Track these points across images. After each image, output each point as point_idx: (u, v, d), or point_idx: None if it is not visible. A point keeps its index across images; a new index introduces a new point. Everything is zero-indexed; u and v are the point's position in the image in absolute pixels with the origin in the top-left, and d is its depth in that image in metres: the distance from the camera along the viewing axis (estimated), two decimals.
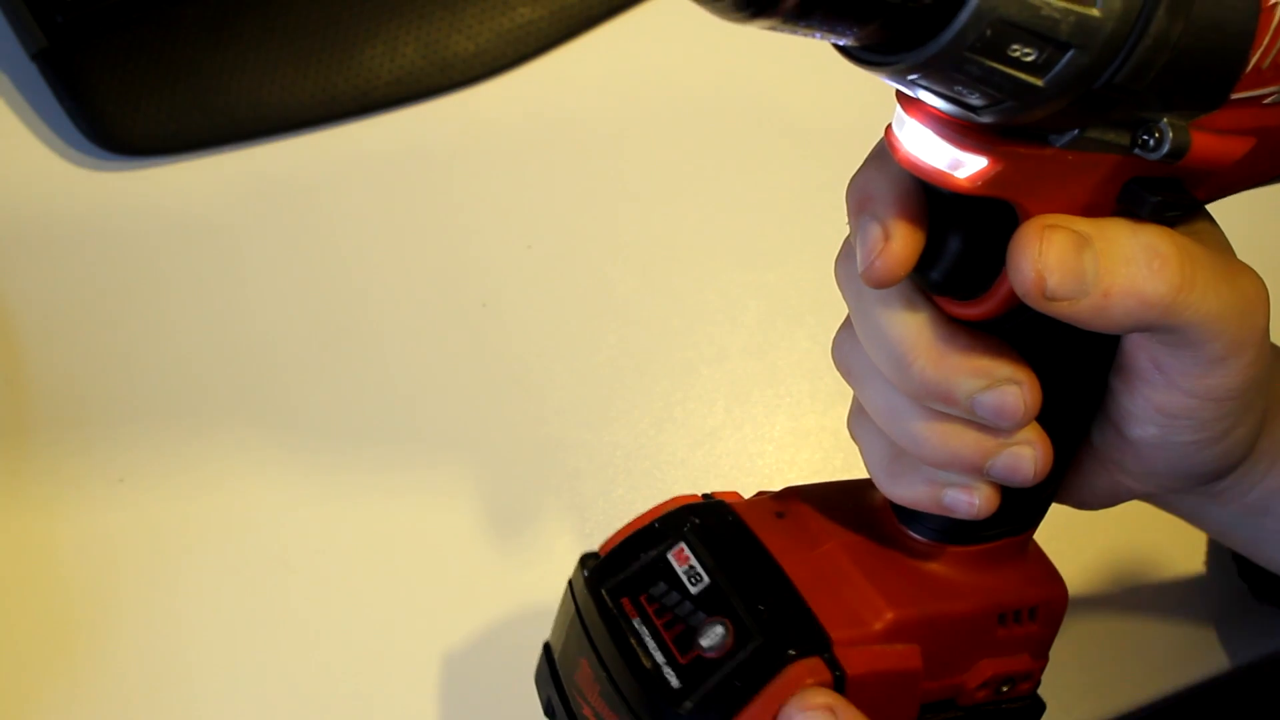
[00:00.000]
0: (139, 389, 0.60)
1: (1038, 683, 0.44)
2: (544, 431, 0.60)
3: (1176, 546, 0.58)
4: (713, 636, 0.39)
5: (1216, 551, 0.58)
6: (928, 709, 0.42)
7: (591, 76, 0.69)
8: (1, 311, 0.61)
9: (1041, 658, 0.44)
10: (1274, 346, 0.44)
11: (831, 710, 0.38)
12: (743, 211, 0.66)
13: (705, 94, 0.68)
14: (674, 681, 0.39)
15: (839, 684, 0.39)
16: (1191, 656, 0.56)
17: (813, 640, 0.39)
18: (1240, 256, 0.39)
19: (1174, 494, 0.44)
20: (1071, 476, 0.44)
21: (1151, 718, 0.56)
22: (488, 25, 0.67)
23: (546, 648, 0.45)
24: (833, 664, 0.39)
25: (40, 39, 0.64)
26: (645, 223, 0.65)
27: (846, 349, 0.40)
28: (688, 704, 0.38)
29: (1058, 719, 0.54)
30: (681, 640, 0.40)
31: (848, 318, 0.40)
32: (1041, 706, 0.44)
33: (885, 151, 0.36)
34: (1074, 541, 0.57)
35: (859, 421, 0.42)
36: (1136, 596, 0.57)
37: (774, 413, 0.61)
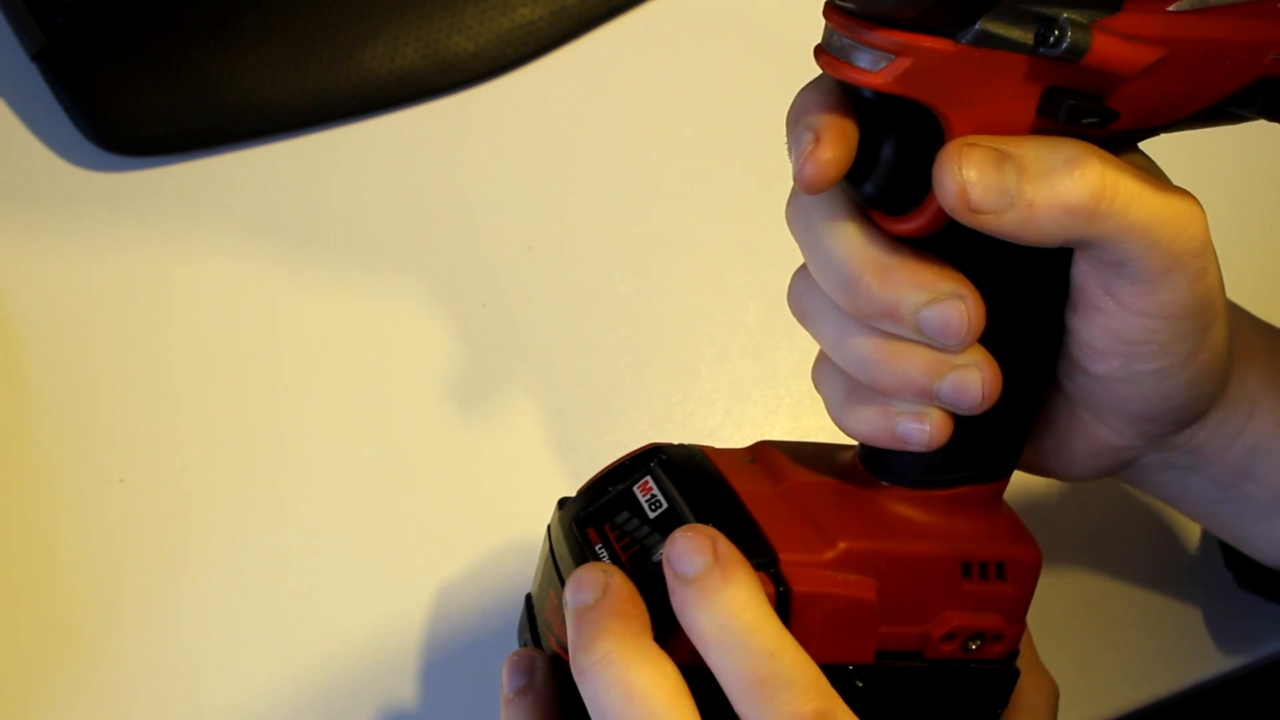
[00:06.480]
0: (139, 389, 0.60)
1: (1014, 650, 0.44)
2: (544, 432, 0.60)
3: (1166, 544, 0.58)
4: (662, 551, 0.40)
5: (1207, 545, 0.58)
6: (888, 655, 0.41)
7: (591, 76, 0.69)
8: (1, 311, 0.61)
9: (1016, 622, 0.43)
10: (1234, 303, 0.45)
11: (710, 537, 0.38)
12: (743, 211, 0.66)
13: (705, 94, 0.68)
14: None
15: (784, 599, 0.39)
16: (1184, 656, 0.56)
17: (759, 554, 0.39)
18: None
19: (1156, 453, 0.44)
20: (1048, 438, 0.44)
21: (1145, 719, 0.56)
22: (488, 25, 0.68)
23: (527, 599, 0.46)
24: (778, 579, 0.39)
25: (40, 39, 0.64)
26: (645, 223, 0.65)
27: (800, 291, 0.42)
28: None
29: None
30: (637, 559, 0.40)
31: (801, 265, 0.41)
32: (1014, 674, 0.44)
33: (820, 75, 0.39)
34: (1066, 541, 0.57)
35: (820, 369, 0.43)
36: (1123, 593, 0.57)
37: (774, 413, 0.61)
